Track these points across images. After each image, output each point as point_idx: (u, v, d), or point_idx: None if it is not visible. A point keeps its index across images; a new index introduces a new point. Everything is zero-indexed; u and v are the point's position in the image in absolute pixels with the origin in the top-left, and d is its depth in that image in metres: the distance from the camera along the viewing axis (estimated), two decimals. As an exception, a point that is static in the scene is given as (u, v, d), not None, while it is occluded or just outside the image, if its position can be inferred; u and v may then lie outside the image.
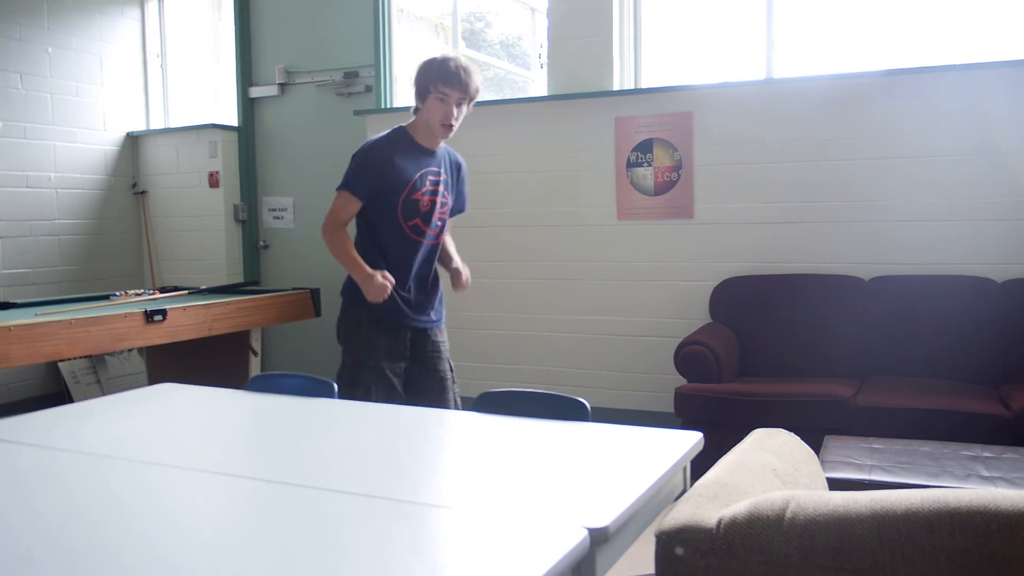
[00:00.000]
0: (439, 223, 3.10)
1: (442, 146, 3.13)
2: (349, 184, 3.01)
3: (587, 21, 4.78)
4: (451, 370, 3.19)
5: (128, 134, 6.15)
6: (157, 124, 6.30)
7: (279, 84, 5.89)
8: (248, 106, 6.02)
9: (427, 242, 3.08)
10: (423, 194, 3.03)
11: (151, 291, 4.88)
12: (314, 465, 1.74)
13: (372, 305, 2.98)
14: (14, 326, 3.48)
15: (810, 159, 4.31)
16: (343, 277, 3.15)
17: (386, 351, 3.03)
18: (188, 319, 4.12)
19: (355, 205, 3.02)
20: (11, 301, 4.44)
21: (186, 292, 4.80)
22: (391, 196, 2.98)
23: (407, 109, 5.26)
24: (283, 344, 5.92)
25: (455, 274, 3.23)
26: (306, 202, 5.88)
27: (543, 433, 1.96)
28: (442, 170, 3.11)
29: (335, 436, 2.03)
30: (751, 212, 4.44)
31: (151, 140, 6.19)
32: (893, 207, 4.17)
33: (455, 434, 2.07)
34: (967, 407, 3.35)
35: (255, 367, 4.63)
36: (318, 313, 4.86)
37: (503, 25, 6.23)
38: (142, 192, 6.19)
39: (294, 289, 4.89)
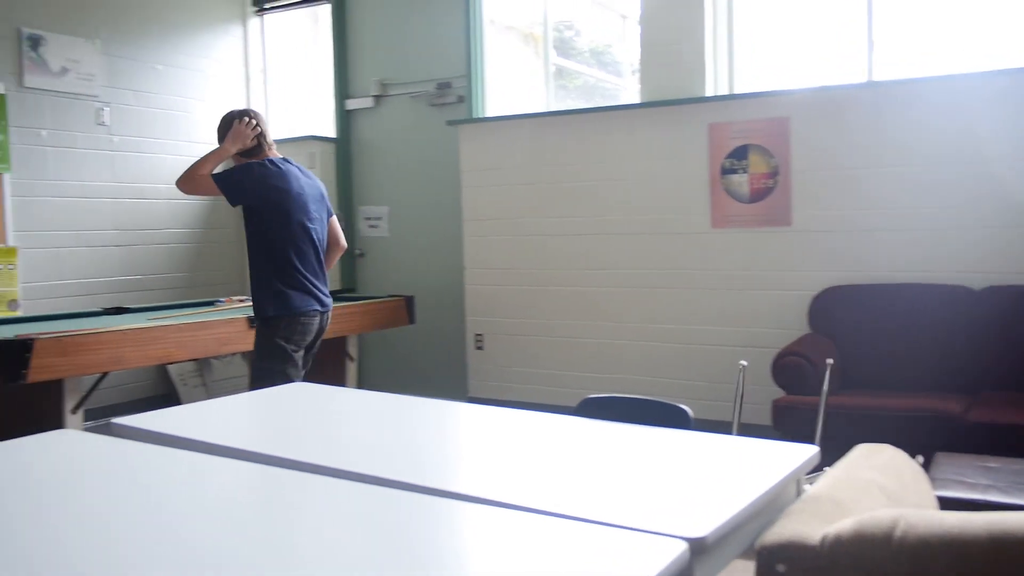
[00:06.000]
0: None
1: None
2: None
3: (679, 27, 4.73)
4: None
5: (232, 147, 6.39)
6: (259, 137, 6.52)
7: (374, 96, 6.03)
8: (345, 118, 6.18)
9: None
10: None
11: (253, 298, 5.04)
12: (428, 466, 1.76)
13: None
14: (128, 330, 3.66)
15: (915, 164, 4.15)
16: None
17: None
18: (288, 325, 4.24)
19: None
20: (125, 306, 4.67)
21: (286, 299, 4.94)
22: None
23: (499, 119, 5.39)
24: (378, 351, 6.04)
25: None
26: (401, 211, 6.00)
27: (644, 439, 1.94)
28: None
29: (446, 436, 2.06)
30: (852, 219, 4.30)
31: (254, 152, 6.41)
32: (1003, 213, 3.98)
33: (555, 437, 2.07)
34: (1089, 425, 3.16)
35: (352, 373, 4.73)
36: (412, 320, 4.94)
37: (593, 33, 6.22)
38: (245, 202, 6.42)
39: (389, 296, 4.98)
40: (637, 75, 5.06)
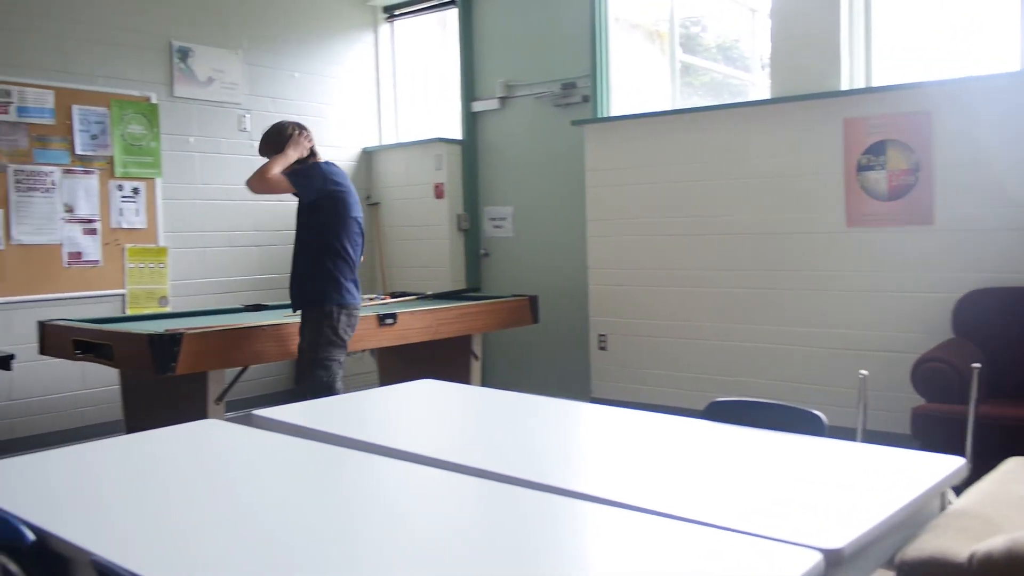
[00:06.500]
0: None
1: None
2: None
3: (813, 19, 4.57)
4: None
5: (363, 150, 6.62)
6: (389, 140, 6.72)
7: (499, 98, 6.10)
8: (471, 120, 6.28)
9: None
10: None
11: (383, 296, 5.20)
12: (552, 465, 1.77)
13: None
14: (267, 326, 3.84)
15: (1075, 158, 3.86)
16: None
17: None
18: (416, 323, 4.35)
19: None
20: (264, 304, 4.90)
21: (414, 297, 5.08)
22: None
23: (624, 118, 5.35)
24: (502, 350, 6.11)
25: None
26: (525, 211, 6.05)
27: (775, 445, 1.88)
28: None
29: (569, 435, 2.07)
30: (1000, 217, 4.04)
31: (383, 155, 6.61)
32: None
33: (682, 440, 2.04)
34: None
35: (476, 371, 4.80)
36: (536, 320, 4.97)
37: (720, 28, 6.08)
38: (375, 203, 6.63)
39: (514, 296, 5.03)
40: (767, 70, 4.91)
